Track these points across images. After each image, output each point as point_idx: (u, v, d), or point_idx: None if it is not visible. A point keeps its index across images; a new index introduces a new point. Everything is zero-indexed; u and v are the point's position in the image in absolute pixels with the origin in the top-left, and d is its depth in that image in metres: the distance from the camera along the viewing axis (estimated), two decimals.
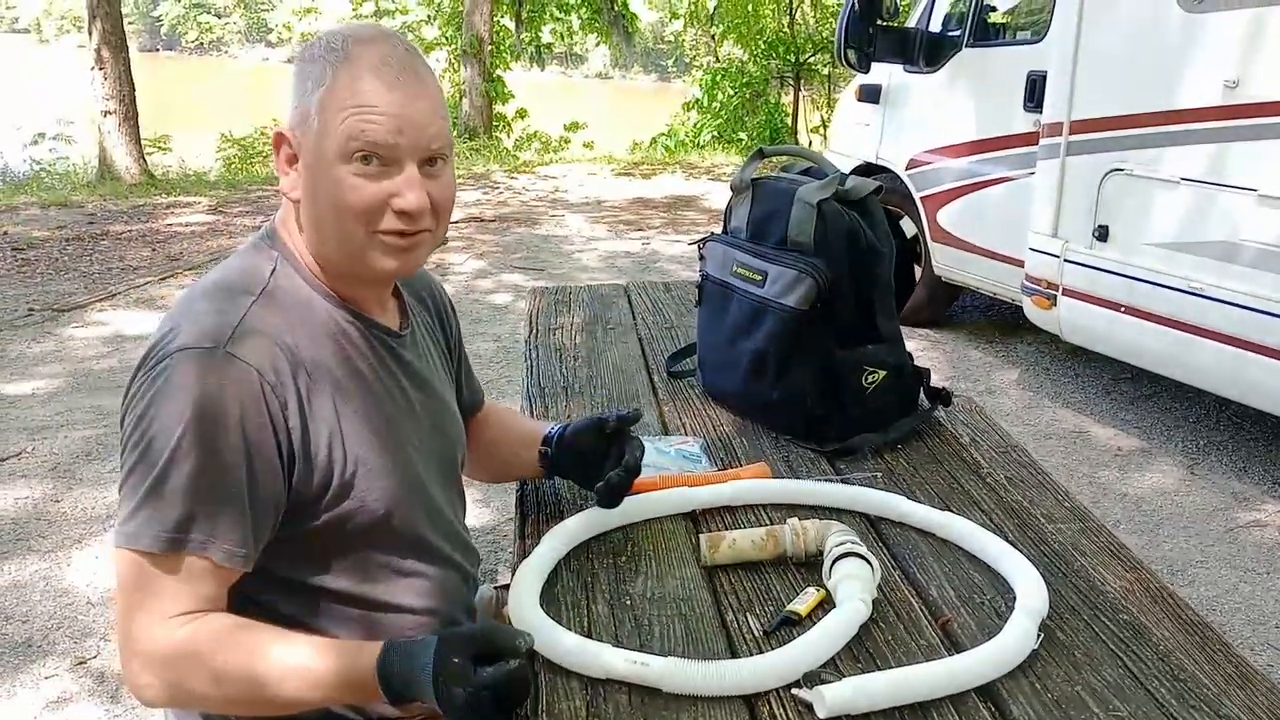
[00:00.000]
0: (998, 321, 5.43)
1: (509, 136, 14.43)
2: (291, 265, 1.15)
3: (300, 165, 1.11)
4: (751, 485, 1.46)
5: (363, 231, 1.09)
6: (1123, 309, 3.62)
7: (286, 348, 1.09)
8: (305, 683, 1.01)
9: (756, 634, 1.15)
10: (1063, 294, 3.87)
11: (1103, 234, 3.69)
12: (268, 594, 1.11)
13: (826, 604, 1.19)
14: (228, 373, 1.04)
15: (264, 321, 1.09)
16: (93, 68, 9.40)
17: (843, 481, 1.53)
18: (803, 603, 1.19)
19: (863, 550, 1.21)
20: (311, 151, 1.09)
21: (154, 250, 6.74)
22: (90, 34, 9.42)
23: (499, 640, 1.00)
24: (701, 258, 1.84)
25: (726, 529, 1.36)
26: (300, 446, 1.08)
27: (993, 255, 4.58)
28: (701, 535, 1.31)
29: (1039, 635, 1.13)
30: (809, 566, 1.28)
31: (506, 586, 1.27)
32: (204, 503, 1.02)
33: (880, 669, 1.08)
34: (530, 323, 2.34)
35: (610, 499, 1.33)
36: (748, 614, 1.19)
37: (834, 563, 1.20)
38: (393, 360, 1.21)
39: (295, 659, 1.02)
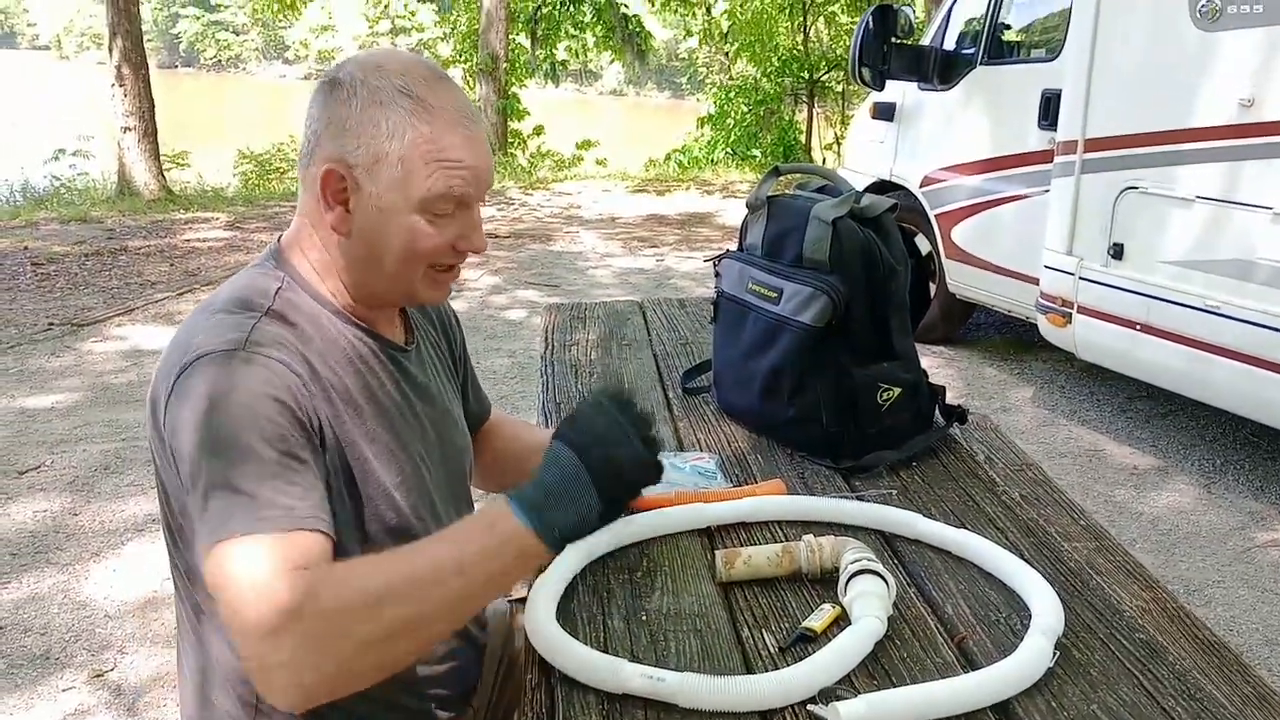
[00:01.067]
0: (1012, 339, 5.42)
1: (524, 153, 14.51)
2: (299, 285, 1.16)
3: (359, 204, 1.11)
4: (767, 502, 1.47)
5: (422, 270, 1.13)
6: (1138, 327, 3.61)
7: (300, 357, 1.10)
8: (466, 553, 0.98)
9: (772, 650, 1.16)
10: (1078, 312, 3.86)
11: (1118, 252, 3.69)
12: None
13: (842, 620, 1.19)
14: (258, 366, 1.04)
15: (275, 332, 1.10)
16: (113, 84, 9.50)
17: (858, 499, 1.53)
18: (818, 619, 1.19)
19: (878, 567, 1.21)
20: (382, 196, 1.09)
21: (172, 265, 6.80)
22: (110, 51, 9.53)
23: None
24: (717, 274, 1.85)
25: (742, 545, 1.36)
26: (320, 447, 1.09)
27: (1007, 273, 4.58)
28: (717, 551, 1.31)
29: (1055, 653, 1.13)
30: (824, 583, 1.28)
31: (520, 600, 1.28)
32: (292, 482, 1.00)
33: (896, 686, 1.08)
34: (545, 339, 2.35)
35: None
36: (763, 630, 1.19)
37: (849, 579, 1.20)
38: (400, 374, 1.22)
39: (437, 544, 1.00)
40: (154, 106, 9.76)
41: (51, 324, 5.39)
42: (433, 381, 1.29)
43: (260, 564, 0.93)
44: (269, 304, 1.12)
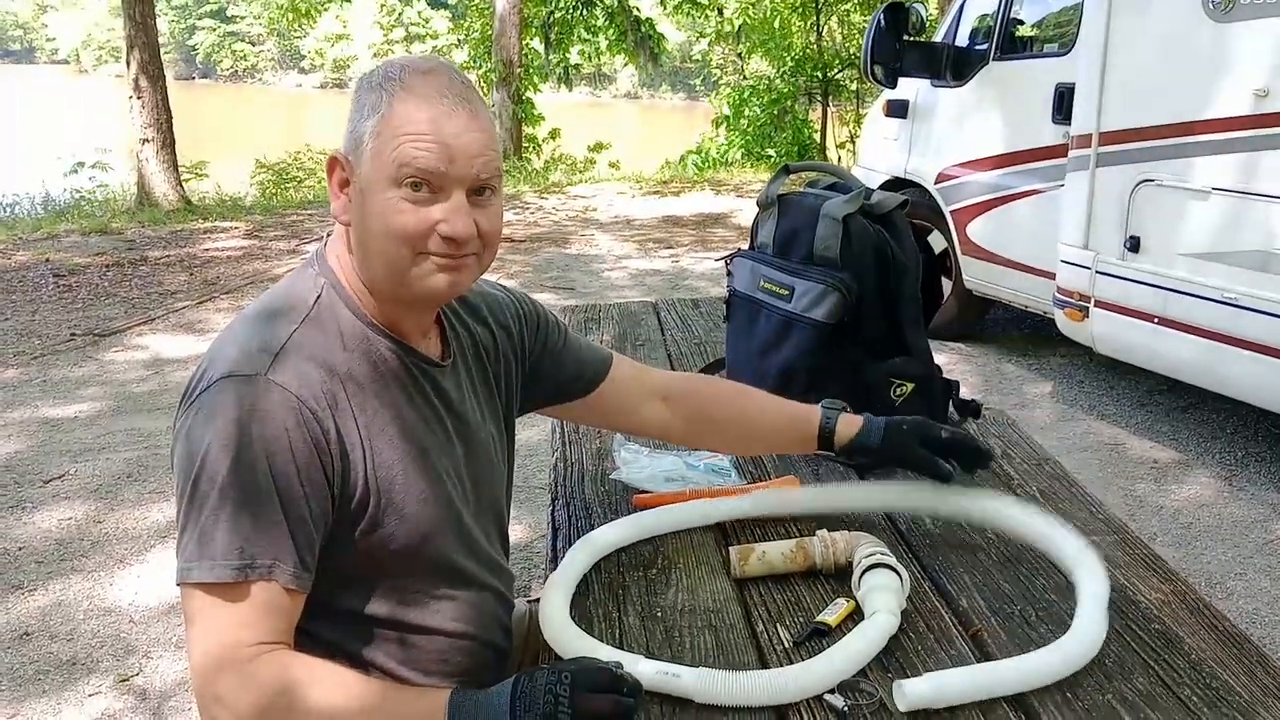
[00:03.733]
0: (1030, 334, 5.40)
1: (539, 158, 14.55)
2: (336, 291, 1.17)
3: (351, 189, 1.14)
4: (780, 496, 1.47)
5: (409, 253, 1.11)
6: (1156, 320, 3.60)
7: (328, 374, 1.11)
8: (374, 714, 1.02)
9: (787, 645, 1.16)
10: (1095, 306, 3.84)
11: (1134, 245, 3.67)
12: (309, 621, 1.11)
13: (857, 615, 1.20)
14: (270, 399, 1.06)
15: (307, 347, 1.11)
16: (131, 97, 9.59)
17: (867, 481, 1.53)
18: (833, 613, 1.20)
19: (892, 561, 1.22)
20: (364, 176, 1.11)
21: (191, 275, 6.86)
22: (128, 64, 9.62)
23: (597, 677, 0.99)
24: (729, 274, 1.86)
25: (756, 541, 1.37)
26: (339, 471, 1.10)
27: (1023, 268, 4.56)
28: (731, 548, 1.32)
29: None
30: (839, 577, 1.29)
31: (538, 600, 1.29)
32: (264, 528, 1.04)
33: (909, 678, 1.09)
34: None
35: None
36: (778, 625, 1.20)
37: (863, 574, 1.21)
38: (432, 389, 1.22)
39: (363, 691, 1.03)
40: (172, 118, 9.84)
41: (74, 334, 5.45)
42: (468, 399, 1.28)
43: (225, 627, 1.02)
44: (306, 313, 1.14)
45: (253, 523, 1.04)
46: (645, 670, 1.06)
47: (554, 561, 1.36)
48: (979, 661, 1.13)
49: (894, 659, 1.13)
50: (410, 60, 1.14)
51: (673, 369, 2.14)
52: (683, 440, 1.58)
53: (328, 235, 1.23)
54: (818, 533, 1.31)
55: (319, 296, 1.16)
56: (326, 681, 1.03)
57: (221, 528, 1.03)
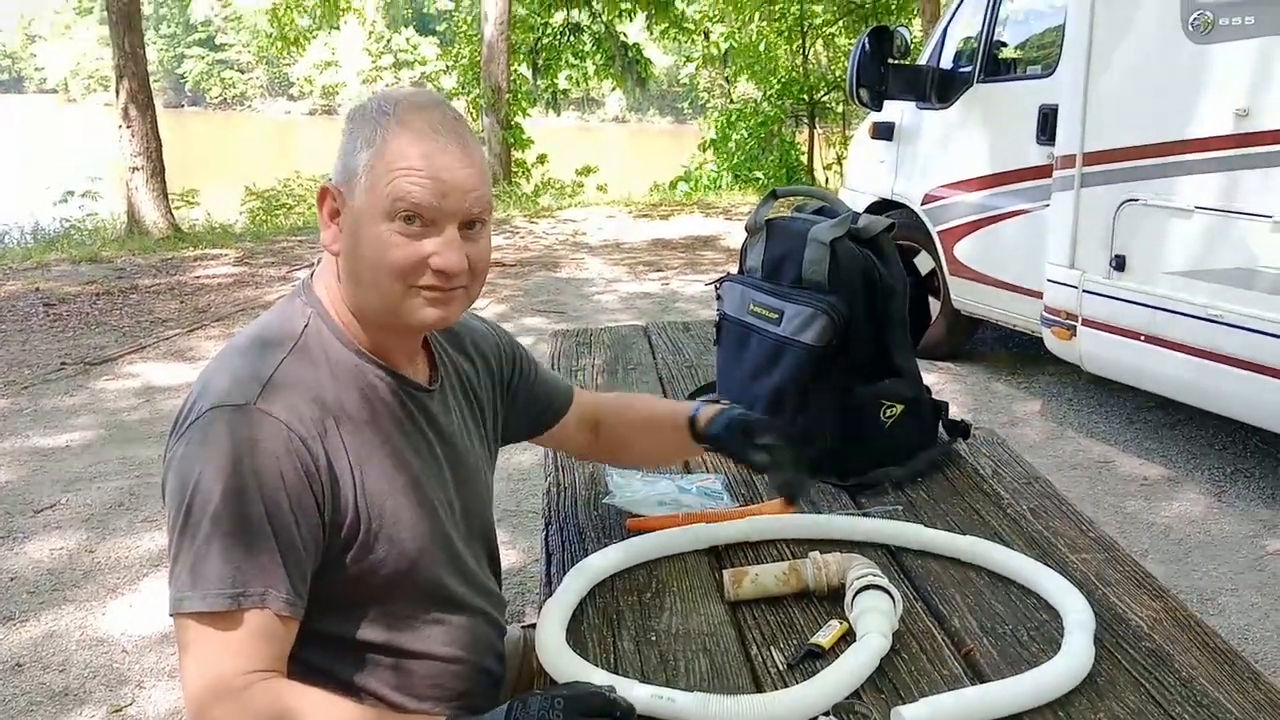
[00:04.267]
0: (1018, 353, 5.43)
1: (528, 182, 14.60)
2: (324, 321, 1.18)
3: (343, 220, 1.15)
4: (772, 520, 1.48)
5: (401, 287, 1.13)
6: (1142, 338, 3.63)
7: (317, 402, 1.12)
8: None
9: (781, 668, 1.17)
10: (1082, 324, 3.87)
11: (1120, 264, 3.71)
12: (301, 648, 1.11)
13: (849, 636, 1.20)
14: (260, 427, 1.07)
15: (295, 376, 1.12)
16: (120, 125, 9.60)
17: (863, 515, 1.54)
18: (826, 635, 1.20)
19: (884, 582, 1.23)
20: (356, 208, 1.13)
21: (182, 303, 6.85)
22: (117, 93, 9.64)
23: (590, 702, 0.99)
24: (718, 297, 1.88)
25: (749, 564, 1.38)
26: (330, 498, 1.11)
27: (1011, 288, 4.60)
28: (724, 571, 1.33)
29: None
30: (832, 599, 1.29)
31: (534, 626, 1.29)
32: (256, 556, 1.05)
33: (904, 700, 1.09)
34: (553, 365, 2.37)
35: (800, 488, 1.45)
36: (772, 648, 1.21)
37: (855, 595, 1.22)
38: (421, 415, 1.23)
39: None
40: (161, 146, 9.85)
41: (64, 363, 5.44)
42: (455, 423, 1.30)
43: (218, 656, 1.03)
44: (294, 342, 1.15)
45: (245, 551, 1.04)
46: (640, 695, 1.06)
47: (548, 586, 1.37)
48: (972, 681, 1.14)
49: (887, 680, 1.14)
50: (403, 94, 1.16)
51: (664, 393, 2.15)
52: (611, 462, 1.68)
53: (316, 264, 1.25)
54: (810, 555, 1.32)
55: (306, 325, 1.17)
56: (321, 709, 1.03)
57: (214, 557, 1.04)
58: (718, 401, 1.55)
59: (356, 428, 1.15)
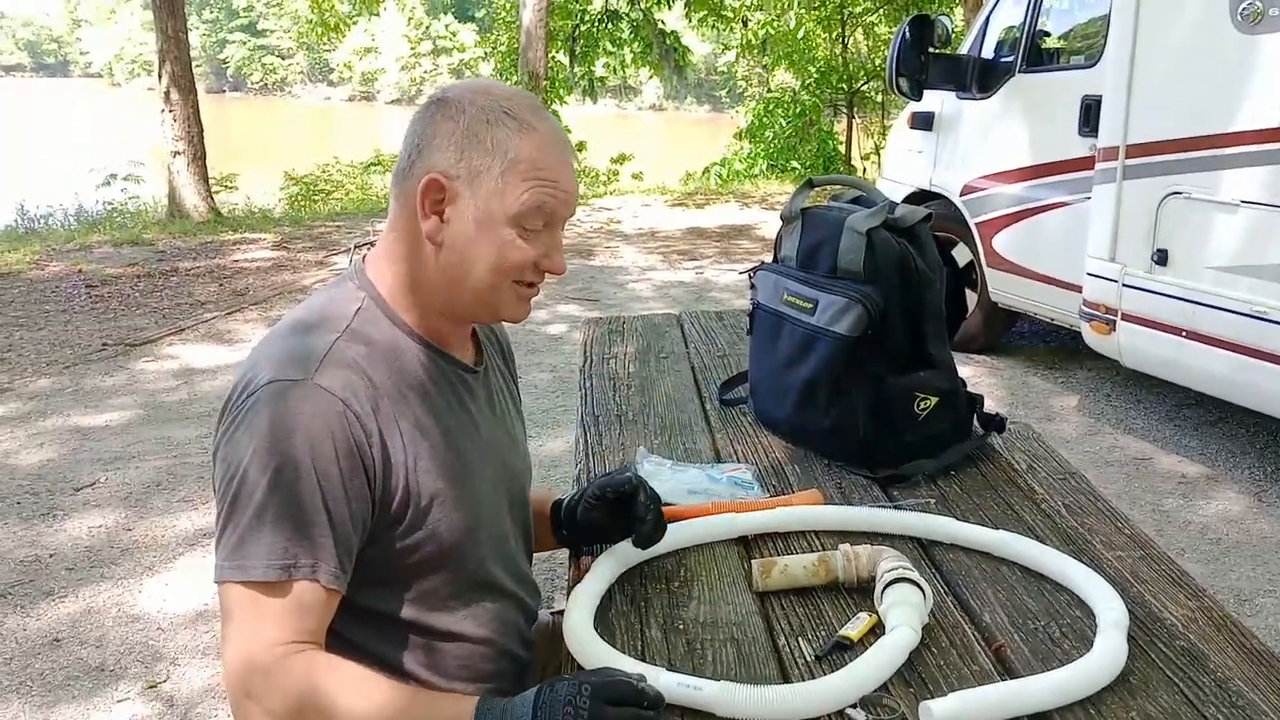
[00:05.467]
0: (1057, 348, 5.37)
1: None
2: (377, 304, 1.19)
3: (455, 214, 1.15)
4: (802, 511, 1.47)
5: (506, 284, 1.17)
6: (1183, 333, 3.57)
7: (370, 381, 1.13)
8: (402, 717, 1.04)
9: (808, 659, 1.16)
10: (1122, 319, 3.82)
11: (1161, 258, 3.65)
12: (337, 622, 1.13)
13: (879, 629, 1.19)
14: (315, 402, 1.08)
15: (349, 355, 1.13)
16: (162, 110, 9.72)
17: (895, 507, 1.53)
18: (854, 628, 1.20)
19: (914, 575, 1.22)
20: (478, 207, 1.14)
21: (221, 286, 6.93)
22: (160, 77, 9.75)
23: (618, 689, 0.99)
24: (752, 287, 1.87)
25: (778, 555, 1.37)
26: (381, 475, 1.12)
27: (1050, 281, 4.54)
28: (753, 561, 1.33)
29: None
30: (861, 591, 1.28)
31: (563, 612, 1.29)
32: (306, 528, 1.06)
33: (932, 694, 1.09)
34: (585, 353, 2.37)
35: (649, 540, 1.31)
36: (800, 639, 1.20)
37: (885, 588, 1.21)
38: (468, 395, 1.24)
39: (391, 694, 1.05)
40: (203, 130, 9.97)
41: (105, 344, 5.52)
42: (499, 403, 1.32)
43: (261, 625, 1.04)
44: (347, 324, 1.16)
45: (297, 524, 1.06)
46: (667, 682, 1.06)
47: (577, 573, 1.37)
48: (1001, 677, 1.13)
49: (916, 674, 1.13)
50: (515, 94, 1.18)
51: (696, 382, 2.15)
52: None
53: (365, 246, 1.26)
54: (840, 546, 1.31)
55: (359, 308, 1.18)
56: (355, 682, 1.04)
57: (266, 528, 1.05)
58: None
59: (409, 407, 1.16)
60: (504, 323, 1.27)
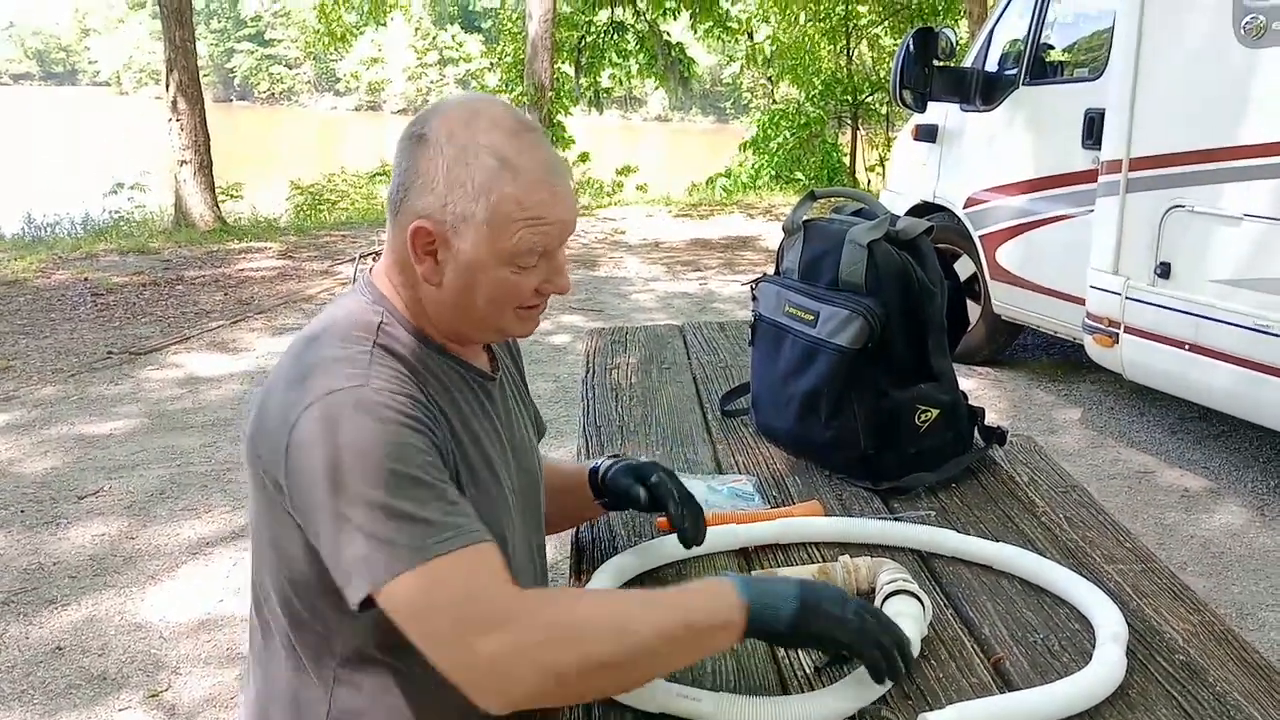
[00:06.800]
0: (1060, 360, 5.37)
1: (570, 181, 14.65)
2: (394, 316, 1.18)
3: (447, 259, 1.13)
4: (803, 523, 1.48)
5: (510, 311, 1.17)
6: (1186, 347, 3.57)
7: (415, 389, 1.11)
8: (674, 609, 1.04)
9: (808, 670, 1.17)
10: (1125, 332, 3.82)
11: (1165, 271, 3.65)
12: (353, 632, 1.11)
13: None
14: (389, 400, 1.05)
15: (389, 362, 1.12)
16: (169, 119, 9.75)
17: (895, 519, 1.53)
18: None
19: (914, 588, 1.22)
20: (468, 252, 1.12)
21: (226, 295, 6.95)
22: (167, 86, 9.79)
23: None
24: (754, 298, 1.87)
25: (778, 566, 1.38)
26: (445, 459, 1.11)
27: (1053, 293, 4.54)
28: (754, 572, 1.33)
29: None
30: None
31: None
32: (454, 500, 1.05)
33: (931, 706, 1.09)
34: (588, 363, 2.38)
35: (691, 542, 1.33)
36: (799, 651, 1.21)
37: (885, 600, 1.21)
38: (489, 403, 1.25)
39: (653, 593, 1.07)
40: (209, 140, 10.00)
41: (110, 352, 5.54)
42: (514, 409, 1.32)
43: (475, 579, 1.01)
44: (374, 336, 1.14)
45: (443, 503, 1.03)
46: (667, 694, 1.06)
47: (577, 583, 1.37)
48: (1000, 690, 1.13)
49: (915, 686, 1.13)
50: (498, 123, 1.12)
51: (698, 392, 2.15)
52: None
53: (370, 258, 1.26)
54: (840, 558, 1.31)
55: (381, 321, 1.16)
56: (604, 596, 1.10)
57: (425, 514, 1.01)
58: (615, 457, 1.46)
59: (443, 422, 1.14)
60: (514, 337, 1.28)
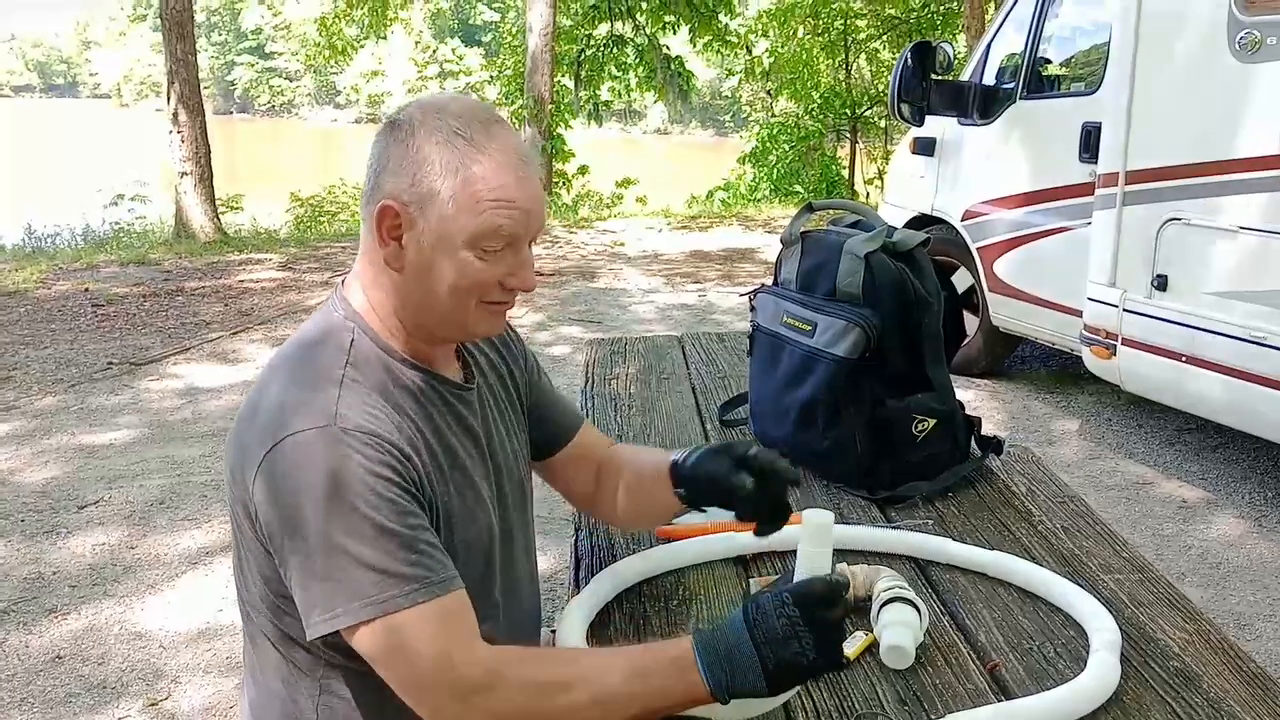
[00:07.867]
0: (1058, 372, 5.38)
1: (569, 193, 14.69)
2: (364, 331, 1.18)
3: (411, 240, 1.13)
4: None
5: (473, 304, 1.15)
6: (1183, 358, 3.58)
7: (388, 421, 1.11)
8: (630, 672, 1.04)
9: None
10: (1122, 344, 3.83)
11: (1161, 283, 3.67)
12: (338, 654, 1.12)
13: (874, 648, 1.21)
14: (355, 442, 1.06)
15: (360, 389, 1.12)
16: (170, 131, 9.78)
17: (892, 528, 1.54)
18: (851, 646, 1.21)
19: (910, 595, 1.23)
20: (433, 232, 1.12)
21: (226, 306, 6.96)
22: (168, 98, 9.83)
23: (816, 590, 1.02)
24: (753, 309, 1.89)
25: (776, 574, 1.39)
26: (420, 491, 1.12)
27: (1050, 305, 4.56)
28: (751, 579, 1.34)
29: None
30: (858, 610, 1.30)
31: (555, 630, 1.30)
32: (425, 545, 1.05)
33: (928, 713, 1.10)
34: (587, 373, 2.39)
35: (769, 530, 1.28)
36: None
37: (881, 607, 1.22)
38: (465, 412, 1.24)
39: (610, 655, 1.07)
40: (210, 151, 10.03)
41: (111, 363, 5.55)
42: (492, 417, 1.31)
43: (444, 638, 1.03)
44: (346, 356, 1.14)
45: (408, 544, 1.05)
46: None
47: (577, 591, 1.38)
48: (997, 697, 1.14)
49: (912, 693, 1.14)
50: (468, 111, 1.14)
51: (697, 402, 2.17)
52: (609, 520, 1.52)
53: (344, 277, 1.25)
54: (837, 566, 1.32)
55: (352, 341, 1.17)
56: (575, 660, 1.08)
57: (394, 561, 1.03)
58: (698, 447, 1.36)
59: (418, 433, 1.15)
60: (481, 337, 1.25)
